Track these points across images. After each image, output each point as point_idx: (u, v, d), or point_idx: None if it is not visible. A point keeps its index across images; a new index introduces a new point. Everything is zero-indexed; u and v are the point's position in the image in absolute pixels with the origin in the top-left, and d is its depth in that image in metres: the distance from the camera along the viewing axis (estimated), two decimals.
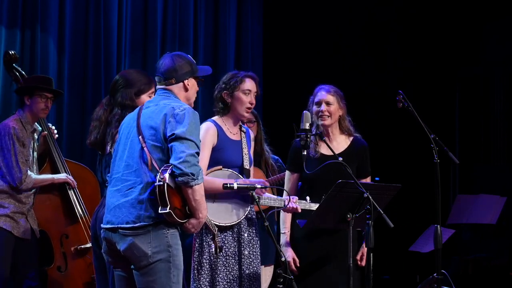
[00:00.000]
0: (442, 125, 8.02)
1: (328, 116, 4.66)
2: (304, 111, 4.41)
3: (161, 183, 3.65)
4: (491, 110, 8.62)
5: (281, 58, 8.03)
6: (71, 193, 5.45)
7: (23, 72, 5.48)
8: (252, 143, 4.69)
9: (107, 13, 6.66)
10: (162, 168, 3.70)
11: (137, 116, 3.90)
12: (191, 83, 3.98)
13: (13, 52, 5.52)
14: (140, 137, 3.81)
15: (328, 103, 4.66)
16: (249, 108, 4.51)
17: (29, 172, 5.16)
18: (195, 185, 3.68)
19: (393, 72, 8.13)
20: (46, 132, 5.48)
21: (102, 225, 3.91)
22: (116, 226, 3.79)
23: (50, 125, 5.57)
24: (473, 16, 8.40)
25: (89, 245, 5.41)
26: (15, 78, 5.42)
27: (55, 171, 5.46)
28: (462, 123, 8.75)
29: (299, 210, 4.44)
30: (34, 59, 6.17)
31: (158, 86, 3.99)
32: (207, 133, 4.44)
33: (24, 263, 5.23)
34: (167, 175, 3.65)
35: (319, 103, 4.68)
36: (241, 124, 4.61)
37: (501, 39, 8.40)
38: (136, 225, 3.74)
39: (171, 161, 3.68)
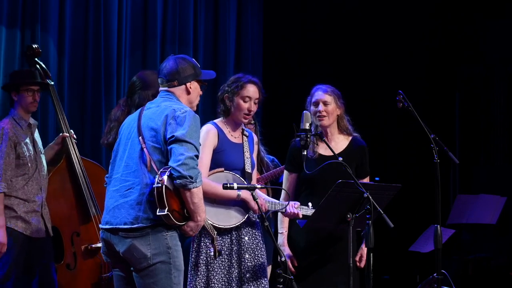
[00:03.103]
0: (442, 125, 8.02)
1: (326, 116, 4.65)
2: (304, 111, 4.41)
3: (160, 185, 3.65)
4: (491, 110, 8.62)
5: (281, 57, 8.04)
6: (85, 189, 5.42)
7: (44, 66, 5.48)
8: (256, 147, 4.68)
9: (107, 13, 6.65)
10: (161, 170, 3.69)
11: (138, 117, 3.90)
12: (194, 86, 3.98)
13: (36, 45, 5.51)
14: (140, 138, 3.81)
15: (325, 103, 4.66)
16: (247, 115, 4.48)
17: (2, 185, 5.08)
18: (193, 188, 3.68)
19: (394, 72, 8.13)
20: (66, 134, 5.47)
21: (100, 226, 3.91)
22: (115, 227, 3.79)
23: (72, 132, 5.57)
24: (473, 15, 8.40)
25: (99, 244, 5.40)
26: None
27: (72, 171, 5.44)
28: (462, 123, 8.75)
29: (300, 216, 4.44)
30: None
31: (160, 88, 3.99)
32: (208, 135, 4.43)
33: (37, 262, 5.22)
34: (165, 177, 3.64)
35: (316, 103, 4.67)
36: (243, 127, 4.60)
37: (502, 38, 8.40)
38: (134, 226, 3.73)
39: (170, 163, 3.68)
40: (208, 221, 4.27)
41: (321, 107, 4.65)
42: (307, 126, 4.32)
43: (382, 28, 8.22)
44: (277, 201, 4.52)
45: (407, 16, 8.28)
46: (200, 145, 3.85)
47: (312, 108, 4.68)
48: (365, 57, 8.17)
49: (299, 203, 4.46)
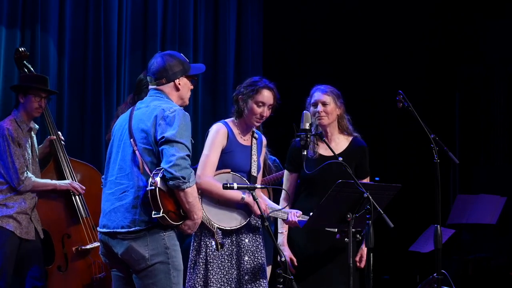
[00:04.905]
0: (442, 125, 8.02)
1: (325, 116, 4.65)
2: (304, 111, 4.41)
3: (153, 187, 3.64)
4: (491, 110, 8.61)
5: (281, 57, 8.03)
6: (74, 197, 5.45)
7: (32, 70, 5.49)
8: (264, 149, 4.68)
9: (107, 13, 6.65)
10: (153, 172, 3.68)
11: (129, 119, 3.87)
12: (183, 82, 3.94)
13: (23, 49, 5.52)
14: (131, 140, 3.79)
15: (324, 103, 4.65)
16: (259, 119, 4.48)
17: (29, 175, 5.15)
18: (186, 188, 3.67)
19: (394, 72, 8.13)
20: (54, 137, 5.48)
21: (98, 229, 3.91)
22: (112, 230, 3.79)
23: (60, 133, 5.58)
24: (473, 15, 8.40)
25: (90, 246, 5.42)
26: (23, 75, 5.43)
27: (59, 172, 5.46)
28: (462, 123, 8.75)
29: (301, 227, 4.44)
30: (34, 59, 6.16)
31: (150, 87, 3.96)
32: (218, 134, 4.44)
33: (28, 264, 5.23)
34: (158, 179, 3.63)
35: (315, 104, 4.67)
36: (254, 130, 4.59)
37: (502, 38, 8.40)
38: (131, 229, 3.74)
39: (162, 164, 3.67)
40: (208, 217, 4.27)
41: (320, 107, 4.65)
42: (307, 126, 4.31)
43: (382, 28, 8.22)
44: (279, 207, 4.52)
45: (407, 16, 8.27)
46: (193, 142, 3.82)
47: (311, 108, 4.68)
48: (365, 57, 8.17)
49: (301, 212, 4.46)
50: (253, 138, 4.57)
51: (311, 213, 4.41)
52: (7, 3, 6.06)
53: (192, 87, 4.00)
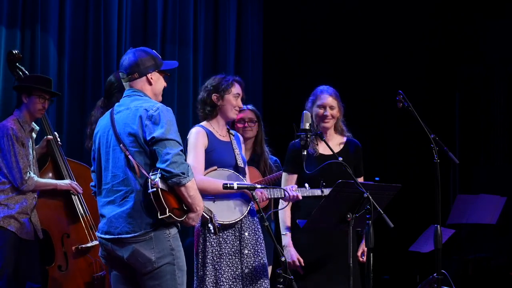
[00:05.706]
0: (442, 125, 8.02)
1: (332, 119, 4.73)
2: (304, 111, 4.42)
3: (155, 189, 3.64)
4: (491, 110, 8.61)
5: (281, 57, 8.04)
6: (74, 196, 5.46)
7: (26, 72, 5.49)
8: (243, 146, 4.76)
9: (107, 13, 6.65)
10: (151, 174, 3.68)
11: (112, 124, 3.85)
12: (155, 77, 3.92)
13: (16, 51, 5.52)
14: (121, 145, 3.78)
15: (332, 107, 4.73)
16: (237, 110, 4.62)
17: (32, 174, 5.16)
18: (187, 182, 3.67)
19: (394, 72, 8.13)
20: (50, 137, 5.48)
21: (99, 234, 3.89)
22: (116, 236, 3.78)
23: (56, 134, 5.58)
24: (473, 15, 8.40)
25: (90, 244, 5.43)
26: (18, 77, 5.42)
27: (57, 172, 5.46)
28: (462, 123, 8.75)
29: (300, 197, 4.48)
30: (34, 59, 6.17)
31: (123, 83, 3.94)
32: (198, 135, 4.51)
33: (26, 264, 5.24)
34: (158, 180, 3.64)
35: (322, 107, 4.71)
36: (228, 127, 4.70)
37: (502, 38, 8.40)
38: (137, 233, 3.73)
39: (158, 165, 3.66)
40: (204, 206, 4.29)
41: (328, 111, 4.70)
42: (307, 126, 4.33)
43: (382, 28, 8.22)
44: (274, 187, 4.57)
45: (407, 16, 8.27)
46: (181, 136, 3.83)
47: (316, 109, 4.71)
48: (365, 57, 8.17)
49: (296, 186, 4.54)
50: (230, 134, 4.67)
51: (306, 184, 4.50)
52: (7, 3, 6.06)
53: (165, 84, 4.00)
